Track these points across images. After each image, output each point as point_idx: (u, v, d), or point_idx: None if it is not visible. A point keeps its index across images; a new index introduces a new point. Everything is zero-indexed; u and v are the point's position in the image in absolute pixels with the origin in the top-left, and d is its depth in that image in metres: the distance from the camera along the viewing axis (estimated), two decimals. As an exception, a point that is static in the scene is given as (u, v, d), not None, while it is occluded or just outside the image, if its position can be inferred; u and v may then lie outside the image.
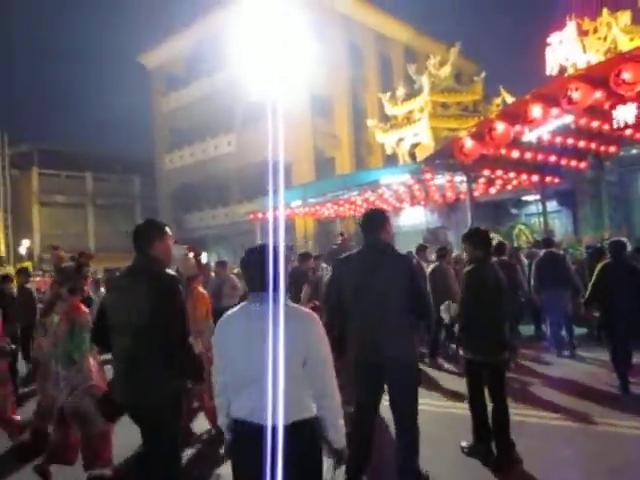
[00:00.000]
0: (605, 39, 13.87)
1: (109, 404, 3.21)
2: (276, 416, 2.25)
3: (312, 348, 2.40)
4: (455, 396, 6.02)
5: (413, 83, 19.93)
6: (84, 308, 4.46)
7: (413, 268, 3.76)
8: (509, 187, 14.83)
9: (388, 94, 20.06)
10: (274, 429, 2.24)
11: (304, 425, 2.35)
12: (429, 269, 8.25)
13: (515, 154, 11.47)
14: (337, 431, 2.46)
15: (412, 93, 19.38)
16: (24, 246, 27.36)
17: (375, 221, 3.75)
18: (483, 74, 18.89)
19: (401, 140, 19.11)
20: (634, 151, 14.14)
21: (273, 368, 2.29)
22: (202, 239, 26.07)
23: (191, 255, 6.32)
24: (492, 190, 15.05)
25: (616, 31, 13.20)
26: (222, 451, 4.19)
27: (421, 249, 9.12)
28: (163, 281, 3.05)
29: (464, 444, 4.53)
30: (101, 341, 3.35)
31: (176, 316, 3.00)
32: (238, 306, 2.58)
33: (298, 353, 2.36)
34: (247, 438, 2.37)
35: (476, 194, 13.65)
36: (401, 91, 19.71)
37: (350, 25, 26.77)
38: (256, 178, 22.73)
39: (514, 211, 16.76)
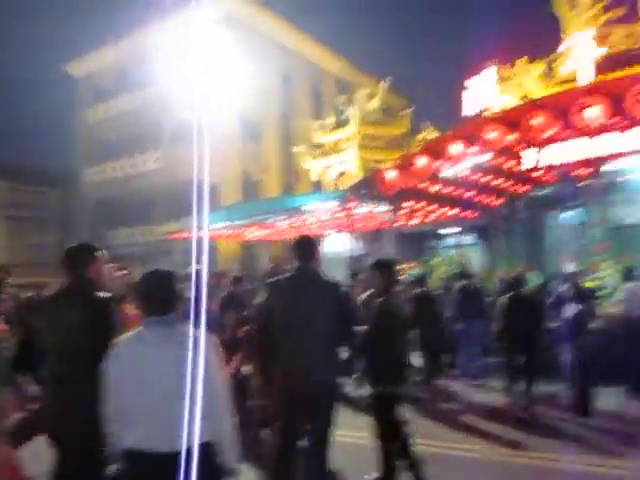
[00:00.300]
0: (519, 86, 14.85)
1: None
2: (173, 442, 2.26)
3: (207, 372, 2.37)
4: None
5: (341, 114, 20.37)
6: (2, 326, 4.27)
7: (340, 294, 3.90)
8: (429, 219, 15.33)
9: (318, 122, 20.39)
10: (172, 455, 2.25)
11: (201, 449, 2.34)
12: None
13: (435, 188, 11.91)
14: (231, 452, 2.49)
15: (341, 123, 19.78)
16: None
17: (306, 248, 3.87)
18: (411, 109, 19.62)
19: (328, 168, 19.38)
20: (544, 191, 15.04)
21: (166, 392, 2.32)
22: (127, 257, 25.04)
23: (121, 273, 6.06)
24: (413, 222, 15.49)
25: (530, 80, 14.12)
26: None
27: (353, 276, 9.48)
28: (98, 303, 3.09)
29: (367, 477, 4.49)
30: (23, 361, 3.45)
31: (111, 337, 2.95)
32: (132, 332, 2.54)
33: (196, 374, 2.33)
34: (142, 467, 2.33)
35: (398, 224, 13.99)
36: (330, 120, 20.08)
37: (284, 52, 27.11)
38: (182, 197, 22.22)
39: (433, 243, 17.30)
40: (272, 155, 27.34)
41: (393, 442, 4.37)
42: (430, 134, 17.08)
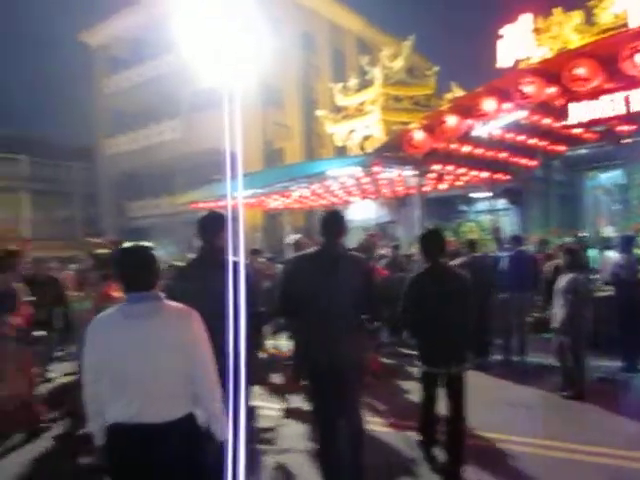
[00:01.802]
0: (556, 38, 13.81)
1: None
2: (159, 413, 2.34)
3: (189, 346, 2.44)
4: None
5: (365, 75, 19.51)
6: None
7: (367, 271, 3.83)
8: (459, 183, 14.61)
9: (340, 85, 19.57)
10: (158, 426, 2.33)
11: (187, 420, 2.42)
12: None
13: (466, 149, 11.20)
14: (220, 423, 2.50)
15: (364, 84, 18.95)
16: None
17: (334, 225, 3.72)
18: (436, 68, 18.66)
19: (352, 132, 18.65)
20: (582, 151, 14.17)
21: (154, 366, 2.37)
22: (146, 229, 24.93)
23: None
24: (441, 186, 14.79)
25: (568, 30, 13.08)
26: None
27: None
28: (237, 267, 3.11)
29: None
30: None
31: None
32: (113, 307, 2.54)
33: (177, 350, 2.40)
34: (129, 439, 2.35)
35: (426, 189, 13.32)
36: (353, 82, 19.25)
37: (304, 13, 26.09)
38: (202, 167, 21.83)
39: (463, 208, 16.60)
40: (294, 120, 26.59)
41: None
42: (458, 94, 16.17)
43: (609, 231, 14.11)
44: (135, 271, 2.49)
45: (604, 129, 11.37)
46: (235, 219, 2.78)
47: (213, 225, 3.61)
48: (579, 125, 10.68)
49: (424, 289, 4.16)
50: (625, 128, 11.29)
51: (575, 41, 12.70)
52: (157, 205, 27.27)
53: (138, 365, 2.35)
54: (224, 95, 2.63)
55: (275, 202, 17.07)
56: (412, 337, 4.49)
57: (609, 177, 14.99)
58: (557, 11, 13.82)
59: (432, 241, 4.33)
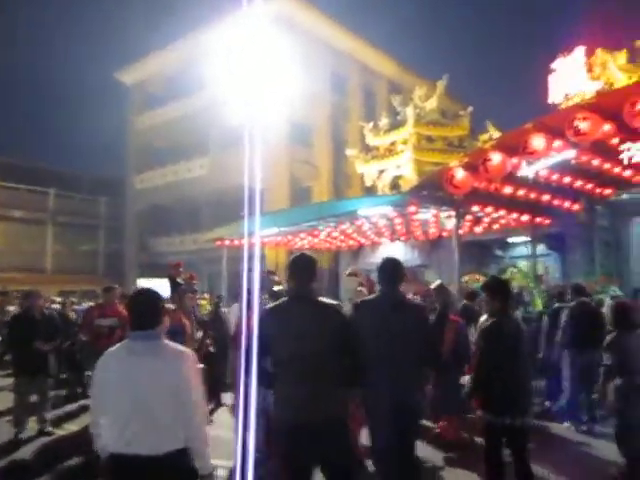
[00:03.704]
0: (599, 78, 13.29)
1: None
2: (151, 446, 2.53)
3: (182, 385, 2.62)
4: None
5: (396, 115, 19.21)
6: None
7: (425, 319, 3.91)
8: (495, 227, 13.92)
9: (371, 124, 19.29)
10: (150, 458, 2.53)
11: (178, 454, 2.58)
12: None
13: (508, 190, 10.55)
14: (204, 459, 2.69)
15: (396, 124, 18.61)
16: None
17: (392, 272, 3.77)
18: (470, 109, 18.25)
19: (382, 172, 18.23)
20: (625, 196, 13.41)
21: (149, 400, 2.56)
22: (168, 265, 24.61)
23: None
24: (478, 229, 14.11)
25: (613, 69, 12.57)
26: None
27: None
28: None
29: None
30: None
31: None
32: (120, 344, 2.77)
33: (170, 387, 2.59)
34: (124, 470, 2.56)
35: (462, 232, 12.65)
36: (384, 121, 18.96)
37: (334, 54, 26.20)
38: (228, 204, 21.54)
39: (499, 252, 15.82)
40: (322, 159, 26.37)
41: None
42: (495, 134, 15.66)
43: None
44: (140, 311, 2.77)
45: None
46: (258, 257, 2.87)
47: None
48: (630, 167, 10.00)
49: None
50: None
51: (622, 79, 12.18)
52: (181, 241, 27.05)
53: (133, 398, 2.56)
54: (250, 132, 2.71)
55: (301, 241, 16.54)
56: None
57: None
58: (600, 51, 13.37)
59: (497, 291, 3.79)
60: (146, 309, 2.76)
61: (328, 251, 19.42)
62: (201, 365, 5.34)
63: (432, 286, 7.03)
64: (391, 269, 3.78)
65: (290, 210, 18.22)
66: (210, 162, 25.76)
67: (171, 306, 6.30)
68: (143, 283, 20.95)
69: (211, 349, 8.17)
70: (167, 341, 2.78)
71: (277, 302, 3.56)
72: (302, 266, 3.47)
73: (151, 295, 2.87)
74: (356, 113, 27.77)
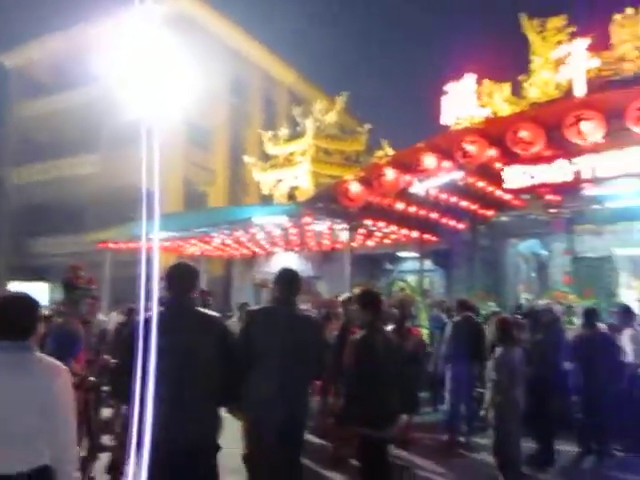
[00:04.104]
0: (486, 106, 14.14)
1: None
2: (9, 463, 2.33)
3: (51, 402, 2.41)
4: None
5: (296, 126, 19.25)
6: None
7: (315, 329, 3.96)
8: (387, 241, 14.31)
9: (270, 133, 19.15)
10: (8, 477, 2.31)
11: (41, 472, 2.38)
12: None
13: (400, 206, 10.87)
14: None
15: (295, 135, 18.63)
16: None
17: (294, 282, 3.83)
18: (368, 126, 18.70)
19: (280, 181, 18.11)
20: (504, 218, 14.35)
21: (6, 416, 2.34)
22: (46, 268, 22.76)
23: None
24: (370, 243, 14.43)
25: (498, 100, 13.40)
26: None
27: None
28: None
29: None
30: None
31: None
32: None
33: (36, 405, 2.37)
34: None
35: (355, 245, 12.85)
36: (284, 132, 18.88)
37: (236, 58, 25.86)
38: (116, 205, 20.36)
39: (389, 266, 16.27)
40: (219, 164, 25.82)
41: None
42: (389, 152, 16.15)
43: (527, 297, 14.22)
44: (7, 320, 2.47)
45: (533, 197, 11.47)
46: (149, 262, 2.62)
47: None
48: (510, 191, 10.66)
49: None
50: (552, 197, 11.43)
51: (507, 110, 13.02)
52: (62, 243, 25.09)
53: None
54: (144, 131, 2.55)
55: (192, 247, 15.97)
56: None
57: (527, 246, 15.28)
58: (488, 81, 14.23)
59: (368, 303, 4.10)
60: (16, 317, 2.47)
61: (220, 259, 18.94)
62: (91, 378, 4.90)
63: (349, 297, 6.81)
64: (290, 279, 3.83)
65: (182, 214, 17.58)
66: (101, 160, 24.26)
67: (62, 311, 5.56)
68: (16, 287, 19.11)
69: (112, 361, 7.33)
70: (39, 354, 2.52)
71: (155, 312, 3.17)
72: (180, 275, 3.36)
73: (23, 301, 2.58)
74: (256, 120, 27.55)
